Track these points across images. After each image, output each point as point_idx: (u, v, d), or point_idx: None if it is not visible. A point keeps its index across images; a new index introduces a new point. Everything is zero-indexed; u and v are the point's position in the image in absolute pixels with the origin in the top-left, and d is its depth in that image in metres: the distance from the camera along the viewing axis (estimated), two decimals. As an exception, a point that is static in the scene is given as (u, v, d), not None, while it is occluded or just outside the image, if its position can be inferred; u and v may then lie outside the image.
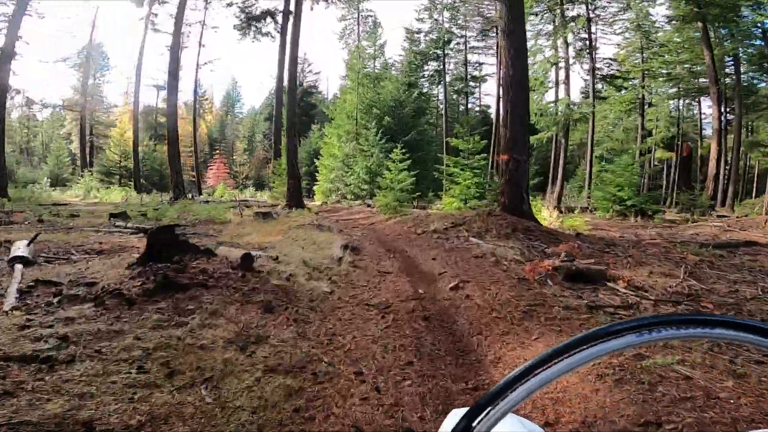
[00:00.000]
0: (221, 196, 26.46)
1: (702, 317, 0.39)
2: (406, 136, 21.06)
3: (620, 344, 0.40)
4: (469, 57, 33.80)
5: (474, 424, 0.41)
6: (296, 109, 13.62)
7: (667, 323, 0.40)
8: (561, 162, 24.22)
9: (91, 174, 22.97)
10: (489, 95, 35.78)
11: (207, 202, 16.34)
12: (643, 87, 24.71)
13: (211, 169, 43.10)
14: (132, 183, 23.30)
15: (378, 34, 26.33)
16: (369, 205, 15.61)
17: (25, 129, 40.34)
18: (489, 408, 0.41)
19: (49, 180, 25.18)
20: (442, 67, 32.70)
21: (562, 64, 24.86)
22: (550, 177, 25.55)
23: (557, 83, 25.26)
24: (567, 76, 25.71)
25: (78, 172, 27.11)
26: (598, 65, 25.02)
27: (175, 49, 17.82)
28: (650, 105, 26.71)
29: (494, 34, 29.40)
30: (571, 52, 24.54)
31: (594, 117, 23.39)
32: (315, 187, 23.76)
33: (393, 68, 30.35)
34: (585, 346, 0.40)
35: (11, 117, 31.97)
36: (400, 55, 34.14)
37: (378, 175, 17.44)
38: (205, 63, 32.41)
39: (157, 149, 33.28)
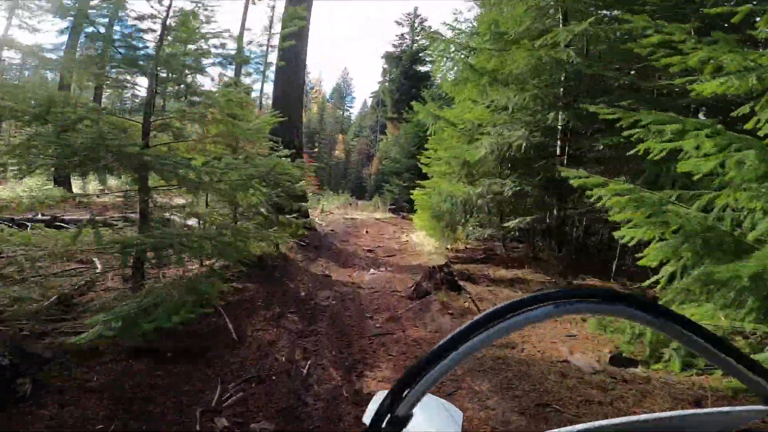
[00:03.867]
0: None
1: (608, 293, 0.42)
2: None
3: (541, 313, 0.41)
4: None
5: (404, 395, 0.40)
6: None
7: (580, 297, 0.42)
8: None
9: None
10: None
11: None
12: None
13: (291, 163, 32.73)
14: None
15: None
16: None
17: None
18: (413, 384, 0.40)
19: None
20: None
21: None
22: None
23: None
24: None
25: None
26: None
27: None
28: None
29: None
30: None
31: None
32: (415, 197, 7.61)
33: None
34: (509, 315, 0.40)
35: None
36: None
37: None
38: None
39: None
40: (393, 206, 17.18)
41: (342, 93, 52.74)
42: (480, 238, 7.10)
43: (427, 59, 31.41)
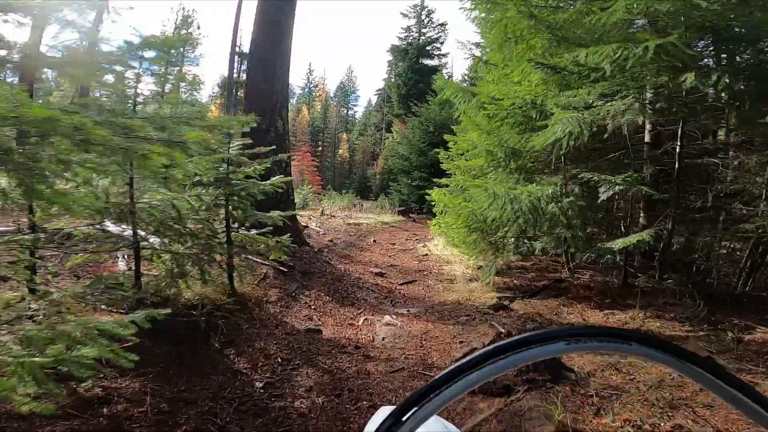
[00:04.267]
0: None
1: (624, 333, 0.41)
2: None
3: (551, 350, 0.40)
4: None
5: (404, 419, 0.39)
6: None
7: (593, 335, 0.40)
8: None
9: None
10: None
11: None
12: None
13: (293, 161, 30.96)
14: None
15: None
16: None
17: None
18: (417, 408, 0.39)
19: None
20: None
21: None
22: None
23: None
24: None
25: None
26: None
27: None
28: None
29: None
30: None
31: None
32: (436, 198, 5.68)
33: None
34: (517, 351, 0.39)
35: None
36: None
37: None
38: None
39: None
40: (402, 208, 15.41)
41: (346, 91, 51.86)
42: (524, 254, 5.21)
43: (435, 52, 29.83)
